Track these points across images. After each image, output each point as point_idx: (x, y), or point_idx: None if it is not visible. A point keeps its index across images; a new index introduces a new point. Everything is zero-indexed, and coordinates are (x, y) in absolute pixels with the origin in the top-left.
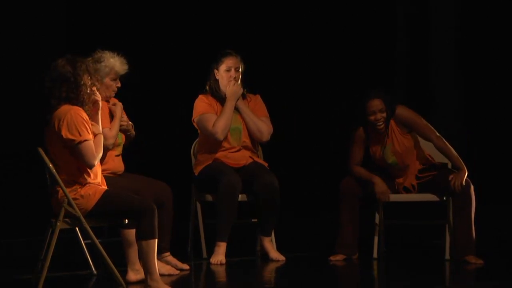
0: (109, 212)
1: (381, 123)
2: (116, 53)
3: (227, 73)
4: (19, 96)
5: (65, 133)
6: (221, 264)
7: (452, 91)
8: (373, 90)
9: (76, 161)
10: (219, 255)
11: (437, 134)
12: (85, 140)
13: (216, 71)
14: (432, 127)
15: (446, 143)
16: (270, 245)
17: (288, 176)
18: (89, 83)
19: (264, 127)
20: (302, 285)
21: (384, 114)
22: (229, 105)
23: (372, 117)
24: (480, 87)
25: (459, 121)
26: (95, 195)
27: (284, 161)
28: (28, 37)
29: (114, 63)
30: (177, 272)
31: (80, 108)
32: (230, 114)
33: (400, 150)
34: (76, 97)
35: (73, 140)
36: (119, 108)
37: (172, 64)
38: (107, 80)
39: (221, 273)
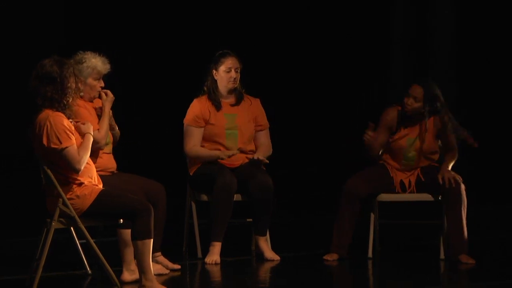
0: (104, 212)
1: (408, 109)
2: (97, 53)
3: (227, 74)
4: (13, 96)
5: (46, 142)
6: (215, 263)
7: (450, 89)
8: (426, 78)
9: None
10: (214, 255)
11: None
12: (66, 147)
13: (214, 71)
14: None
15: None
16: (265, 244)
17: (284, 176)
18: (74, 87)
19: (269, 152)
20: (297, 284)
21: (418, 105)
22: (216, 155)
23: (406, 99)
24: (477, 87)
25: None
26: (91, 195)
27: (281, 162)
28: (26, 38)
29: (96, 63)
30: (167, 271)
31: (60, 114)
32: (207, 158)
33: (425, 150)
34: (59, 100)
35: (55, 149)
36: (108, 102)
37: (168, 63)
38: (90, 81)
39: (216, 272)
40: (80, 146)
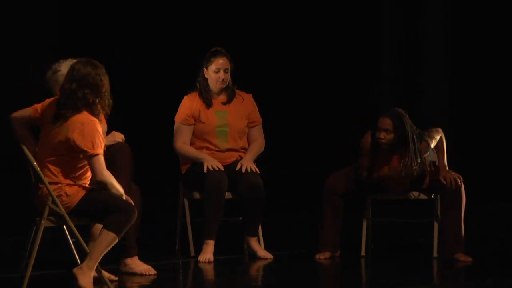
0: (91, 210)
1: (382, 142)
2: (75, 59)
3: (216, 74)
4: (10, 96)
5: (79, 141)
6: (209, 262)
7: (440, 89)
8: (393, 109)
9: (66, 161)
10: (207, 253)
11: (437, 137)
12: (97, 154)
13: (205, 70)
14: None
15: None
16: (256, 244)
17: (284, 176)
18: (108, 90)
19: (261, 149)
20: (289, 283)
21: (390, 136)
22: (203, 159)
23: (377, 133)
24: (468, 87)
25: (447, 118)
26: (79, 193)
27: (281, 162)
28: (19, 38)
29: (63, 67)
30: (155, 272)
31: (96, 120)
32: (194, 158)
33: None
34: (96, 103)
35: (86, 151)
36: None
37: (161, 60)
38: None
39: (208, 271)
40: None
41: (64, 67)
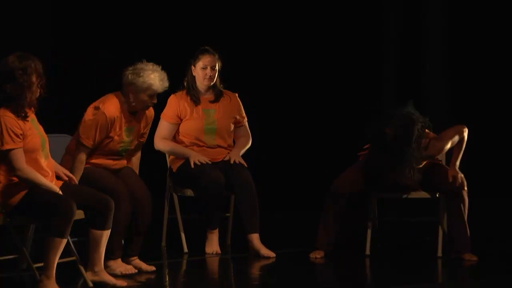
0: (32, 211)
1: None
2: (159, 68)
3: (203, 71)
4: None
5: None
6: (217, 254)
7: (442, 89)
8: (402, 118)
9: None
10: (214, 246)
11: (455, 139)
12: (8, 150)
13: (193, 67)
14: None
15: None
16: (259, 243)
17: (275, 174)
18: (36, 84)
19: (248, 144)
20: (291, 281)
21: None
22: (189, 154)
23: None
24: (469, 86)
25: (447, 118)
26: (20, 193)
27: (280, 161)
28: (12, 38)
29: (154, 80)
30: (135, 271)
31: (7, 115)
32: (179, 155)
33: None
34: (20, 97)
35: None
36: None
37: (150, 58)
38: (142, 95)
39: (207, 269)
40: (35, 173)
41: (147, 75)
